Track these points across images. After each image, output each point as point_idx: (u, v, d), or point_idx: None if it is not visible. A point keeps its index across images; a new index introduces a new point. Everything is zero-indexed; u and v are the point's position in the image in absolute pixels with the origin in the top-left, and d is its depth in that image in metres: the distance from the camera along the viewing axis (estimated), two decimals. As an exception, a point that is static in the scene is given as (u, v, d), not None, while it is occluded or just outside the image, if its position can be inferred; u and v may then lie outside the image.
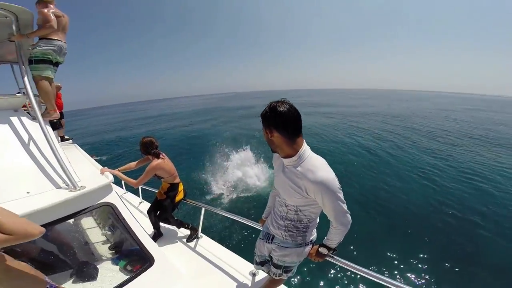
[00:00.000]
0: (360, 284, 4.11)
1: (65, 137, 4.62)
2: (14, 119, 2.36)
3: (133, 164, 3.14)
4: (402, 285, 1.42)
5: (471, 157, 10.93)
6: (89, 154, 3.40)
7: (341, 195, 1.27)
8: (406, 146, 12.48)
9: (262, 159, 10.18)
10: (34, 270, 1.27)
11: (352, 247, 4.85)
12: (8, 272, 1.12)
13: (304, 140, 1.32)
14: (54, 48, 2.83)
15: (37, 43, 2.80)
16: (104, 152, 15.71)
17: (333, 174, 1.26)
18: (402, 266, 4.48)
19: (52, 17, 2.74)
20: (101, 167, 2.62)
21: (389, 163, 9.98)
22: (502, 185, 8.01)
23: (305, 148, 1.31)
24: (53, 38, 2.87)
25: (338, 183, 1.26)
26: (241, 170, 9.51)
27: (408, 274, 4.34)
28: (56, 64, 3.00)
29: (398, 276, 4.28)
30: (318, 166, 1.25)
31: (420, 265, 4.54)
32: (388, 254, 4.77)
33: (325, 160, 1.31)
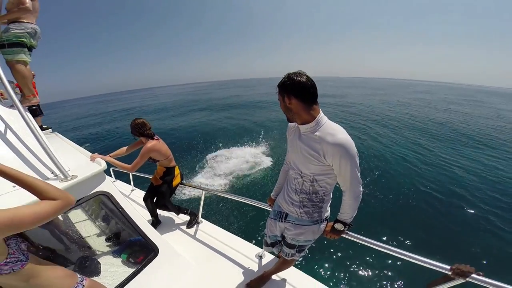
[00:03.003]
0: (376, 260, 4.19)
1: (43, 126, 4.31)
2: None
3: (124, 149, 2.91)
4: (419, 257, 1.40)
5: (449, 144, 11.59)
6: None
7: (358, 161, 1.28)
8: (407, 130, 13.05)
9: (260, 142, 10.12)
10: (65, 270, 1.19)
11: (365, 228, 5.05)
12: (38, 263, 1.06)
13: (320, 109, 1.33)
14: (28, 30, 2.68)
15: (8, 27, 2.62)
16: (87, 146, 15.05)
17: (350, 138, 1.26)
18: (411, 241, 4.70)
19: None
20: (90, 154, 2.40)
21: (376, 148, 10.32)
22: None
23: (322, 115, 1.32)
24: (25, 21, 2.72)
25: (355, 148, 1.26)
26: (238, 154, 9.54)
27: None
28: (30, 48, 2.82)
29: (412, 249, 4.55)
30: (337, 130, 1.27)
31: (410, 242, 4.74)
32: (402, 232, 5.01)
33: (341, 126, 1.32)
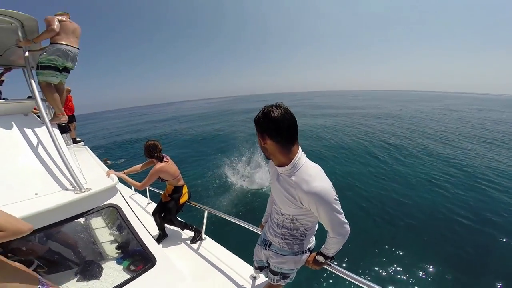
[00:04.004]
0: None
1: (77, 139, 4.77)
2: (24, 123, 2.45)
3: (138, 167, 3.22)
4: None
5: (485, 162, 10.43)
6: (102, 158, 3.52)
7: (338, 206, 1.21)
8: (416, 151, 12.05)
9: (266, 162, 10.02)
10: (26, 269, 1.31)
11: (354, 255, 4.71)
12: (1, 269, 1.17)
13: (299, 147, 1.26)
14: (59, 53, 2.83)
15: (45, 48, 2.83)
16: (116, 155, 15.98)
17: (329, 183, 1.20)
18: (407, 276, 4.34)
19: (55, 21, 2.76)
20: (107, 169, 2.71)
21: (398, 170, 9.63)
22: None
23: (300, 156, 1.24)
24: (61, 42, 2.87)
25: (334, 193, 1.19)
26: (245, 173, 9.56)
27: (412, 285, 4.18)
28: (66, 69, 3.00)
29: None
30: (313, 176, 1.19)
31: (425, 276, 4.38)
32: (394, 263, 4.63)
33: (321, 168, 1.26)
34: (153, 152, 3.00)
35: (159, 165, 2.97)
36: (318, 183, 1.16)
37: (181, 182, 3.24)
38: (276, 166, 1.31)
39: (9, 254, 1.74)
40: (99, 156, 3.79)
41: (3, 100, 2.56)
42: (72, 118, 5.41)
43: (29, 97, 4.85)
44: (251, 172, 9.44)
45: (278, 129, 1.16)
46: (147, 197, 4.74)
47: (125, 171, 3.09)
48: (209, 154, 13.31)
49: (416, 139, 14.59)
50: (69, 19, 2.94)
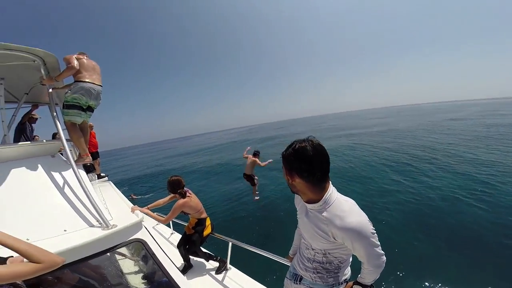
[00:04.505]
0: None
1: (101, 174, 4.98)
2: (51, 164, 2.59)
3: (161, 201, 3.36)
4: None
5: None
6: (128, 194, 3.65)
7: (375, 239, 1.14)
8: (447, 165, 11.29)
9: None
10: None
11: (394, 277, 4.38)
12: None
13: (330, 182, 1.20)
14: (82, 91, 2.85)
15: (69, 86, 2.89)
16: (141, 189, 16.41)
17: (365, 217, 1.13)
18: None
19: (74, 59, 2.83)
20: (132, 205, 2.81)
21: (431, 187, 9.00)
22: None
23: (331, 191, 1.18)
24: (84, 80, 2.89)
25: (371, 227, 1.13)
26: (266, 201, 9.37)
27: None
28: (90, 108, 3.02)
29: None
30: (347, 211, 1.12)
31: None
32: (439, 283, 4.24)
33: (354, 202, 1.20)
34: (176, 188, 3.14)
35: (181, 200, 3.09)
36: (353, 218, 1.10)
37: (204, 215, 3.31)
38: (305, 202, 1.25)
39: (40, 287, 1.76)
40: (125, 191, 3.94)
41: (32, 142, 2.75)
42: (96, 155, 5.64)
43: (55, 134, 5.17)
44: (272, 200, 9.26)
45: (310, 169, 1.11)
46: (170, 227, 4.81)
47: (148, 206, 3.23)
48: (229, 184, 13.32)
49: (443, 152, 13.84)
50: (87, 57, 3.01)
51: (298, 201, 1.39)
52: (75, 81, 2.85)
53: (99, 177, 4.79)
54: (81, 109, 2.91)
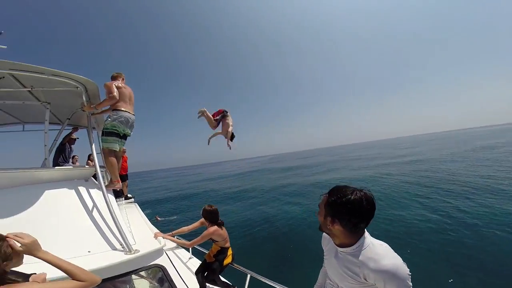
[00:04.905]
0: None
1: (128, 195, 5.14)
2: (84, 188, 2.73)
3: (186, 229, 3.40)
4: None
5: None
6: (153, 215, 3.72)
7: (409, 281, 1.07)
8: (482, 197, 10.22)
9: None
10: None
11: None
12: None
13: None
14: (121, 119, 2.98)
15: (108, 113, 3.04)
16: (165, 211, 16.66)
17: (400, 260, 1.08)
18: None
19: (114, 88, 2.97)
20: (156, 230, 2.85)
21: (465, 223, 8.12)
22: None
23: (366, 236, 1.15)
24: (122, 109, 3.04)
25: (407, 269, 1.07)
26: (287, 232, 8.97)
27: None
28: (125, 136, 3.16)
29: None
30: (382, 254, 1.08)
31: None
32: None
33: (388, 246, 1.15)
34: (215, 218, 3.20)
35: (213, 228, 3.10)
36: (388, 261, 1.06)
37: (228, 244, 3.28)
38: (337, 245, 1.22)
39: None
40: (150, 214, 4.03)
41: (68, 168, 2.97)
42: (124, 177, 5.83)
43: (89, 155, 5.44)
44: (292, 229, 8.88)
45: (356, 223, 1.09)
46: (189, 252, 4.73)
47: (173, 232, 3.28)
48: (247, 211, 13.14)
49: (480, 184, 12.42)
50: (123, 83, 3.17)
51: (326, 242, 1.36)
52: (113, 109, 3.02)
53: (126, 198, 4.94)
54: (118, 137, 3.05)
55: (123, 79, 3.28)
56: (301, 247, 7.85)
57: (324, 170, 30.95)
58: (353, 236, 1.13)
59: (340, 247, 1.19)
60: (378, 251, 1.10)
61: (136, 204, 4.40)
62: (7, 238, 1.08)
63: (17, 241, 1.11)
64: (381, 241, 1.17)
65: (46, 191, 2.44)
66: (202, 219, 3.31)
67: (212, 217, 3.20)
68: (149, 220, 3.86)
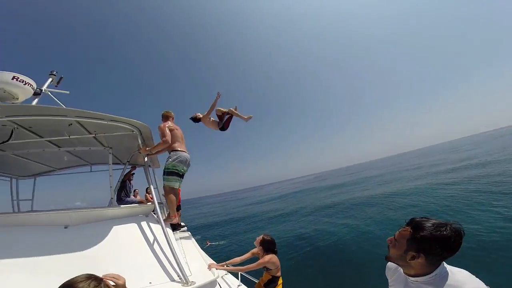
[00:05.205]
0: None
1: (181, 224, 5.51)
2: (145, 223, 3.01)
3: (238, 259, 3.53)
4: None
5: None
6: (204, 240, 3.92)
7: None
8: None
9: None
10: None
11: None
12: None
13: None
14: (180, 159, 3.25)
15: (169, 155, 3.32)
16: (215, 236, 17.07)
17: (483, 285, 1.02)
18: None
19: (167, 131, 3.25)
20: (209, 260, 3.05)
21: None
22: None
23: (444, 265, 1.11)
24: (179, 149, 3.33)
25: None
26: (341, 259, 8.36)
27: None
28: (183, 174, 3.42)
29: None
30: (463, 281, 1.03)
31: None
32: None
33: (468, 272, 1.10)
34: (272, 247, 3.33)
35: (269, 256, 3.21)
36: (471, 285, 1.01)
37: (279, 273, 3.30)
38: (409, 275, 1.18)
39: None
40: (201, 240, 4.25)
41: (131, 206, 3.28)
42: (178, 208, 6.32)
43: (147, 188, 5.86)
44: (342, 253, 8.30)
45: (446, 257, 1.08)
46: (238, 279, 4.76)
47: (226, 262, 3.44)
48: (293, 234, 12.67)
49: None
50: (173, 122, 3.45)
51: (392, 272, 1.33)
52: (172, 150, 3.32)
53: (179, 226, 5.31)
54: (178, 176, 3.33)
55: (172, 118, 3.63)
56: (352, 271, 7.33)
57: (373, 184, 28.57)
58: (432, 267, 1.09)
59: (413, 276, 1.15)
60: (458, 278, 1.05)
61: (189, 232, 4.61)
62: (105, 279, 1.18)
63: (114, 282, 1.25)
64: (459, 268, 1.12)
65: (112, 226, 2.75)
66: (254, 250, 3.43)
67: (269, 246, 3.29)
68: (200, 245, 4.04)
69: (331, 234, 11.37)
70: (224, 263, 3.37)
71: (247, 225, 20.04)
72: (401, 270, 1.23)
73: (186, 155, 3.34)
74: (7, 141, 2.94)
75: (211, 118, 4.63)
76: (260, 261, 3.20)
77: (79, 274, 1.14)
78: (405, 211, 12.57)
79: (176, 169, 3.29)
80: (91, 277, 1.11)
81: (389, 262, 1.30)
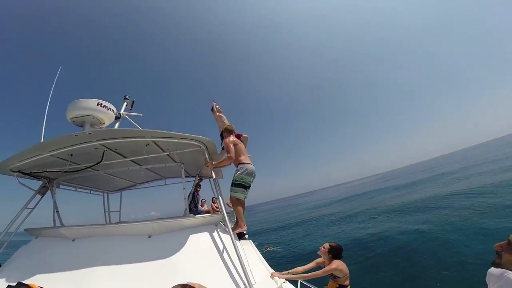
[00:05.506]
0: None
1: (244, 232, 5.63)
2: (215, 231, 3.13)
3: (300, 269, 3.39)
4: None
5: None
6: (263, 246, 3.90)
7: None
8: None
9: None
10: None
11: None
12: None
13: None
14: (248, 171, 3.40)
15: (237, 168, 3.47)
16: (273, 241, 17.23)
17: None
18: None
19: (232, 148, 3.39)
20: (271, 269, 3.03)
21: None
22: None
23: None
24: (245, 162, 3.47)
25: None
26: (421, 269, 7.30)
27: None
28: (249, 186, 3.54)
29: None
30: None
31: None
32: None
33: None
34: (340, 254, 3.20)
35: (338, 262, 3.07)
36: None
37: (347, 282, 3.10)
38: None
39: None
40: (259, 245, 4.23)
41: (203, 215, 3.46)
42: None
43: (213, 198, 6.29)
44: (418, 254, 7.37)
45: None
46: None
47: (288, 271, 3.35)
48: (361, 236, 11.93)
49: None
50: (234, 136, 3.59)
51: (496, 278, 1.26)
52: (239, 164, 3.49)
53: (244, 235, 5.40)
54: (245, 188, 3.47)
55: (234, 131, 3.81)
56: (431, 272, 6.56)
57: (452, 179, 25.06)
58: None
59: None
60: None
61: (250, 241, 4.67)
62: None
63: None
64: None
65: (190, 235, 2.95)
66: (318, 259, 3.28)
67: (338, 253, 3.15)
68: (259, 251, 4.06)
69: (398, 240, 10.33)
70: (287, 271, 3.26)
71: (304, 230, 19.59)
72: (510, 274, 1.18)
73: (251, 167, 3.48)
74: (100, 162, 3.47)
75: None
76: (327, 268, 3.04)
77: (175, 284, 1.29)
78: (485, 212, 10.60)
79: (243, 181, 3.41)
80: (185, 287, 1.27)
81: (492, 268, 1.27)
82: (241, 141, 3.82)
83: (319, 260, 3.36)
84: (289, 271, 3.28)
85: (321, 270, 3.04)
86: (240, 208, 3.47)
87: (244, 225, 3.53)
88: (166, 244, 2.85)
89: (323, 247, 3.27)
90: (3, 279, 2.68)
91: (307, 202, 58.17)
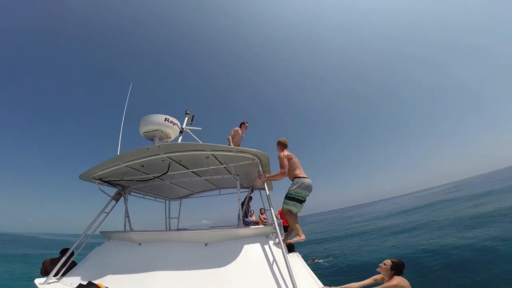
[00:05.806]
0: None
1: (293, 244, 5.49)
2: (265, 243, 3.19)
3: (355, 285, 3.22)
4: None
5: None
6: (310, 257, 3.74)
7: None
8: None
9: None
10: None
11: None
12: None
13: None
14: (305, 185, 3.37)
15: (293, 182, 3.46)
16: (321, 253, 16.57)
17: None
18: None
19: (286, 163, 3.41)
20: (321, 284, 2.96)
21: None
22: None
23: None
24: (301, 176, 3.44)
25: None
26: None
27: None
28: (304, 200, 3.49)
29: None
30: None
31: None
32: None
33: None
34: (402, 270, 3.03)
35: (398, 279, 2.89)
36: None
37: None
38: None
39: None
40: (307, 256, 4.06)
41: (255, 227, 3.55)
42: (287, 228, 6.37)
43: (261, 209, 6.53)
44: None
45: None
46: None
47: (342, 286, 3.19)
48: (422, 251, 10.55)
49: None
50: (287, 150, 3.61)
51: None
52: (295, 177, 3.48)
53: (293, 247, 5.29)
54: (298, 201, 3.44)
55: (287, 146, 3.81)
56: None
57: None
58: None
59: None
60: None
61: (298, 253, 4.56)
62: None
63: None
64: None
65: (244, 245, 3.06)
66: (376, 276, 3.09)
67: (400, 270, 2.96)
68: (306, 261, 3.98)
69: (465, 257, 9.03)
70: (340, 287, 3.08)
71: (356, 242, 18.44)
72: None
73: (308, 181, 3.44)
74: (166, 173, 3.88)
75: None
76: (386, 284, 2.84)
77: None
78: None
79: (299, 195, 3.40)
80: None
81: None
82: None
83: (377, 276, 3.13)
84: (342, 286, 3.11)
85: (380, 286, 2.85)
86: (293, 219, 3.47)
87: (302, 234, 3.49)
88: (221, 253, 2.98)
89: (384, 264, 3.04)
90: (78, 278, 3.01)
91: (359, 215, 53.87)
